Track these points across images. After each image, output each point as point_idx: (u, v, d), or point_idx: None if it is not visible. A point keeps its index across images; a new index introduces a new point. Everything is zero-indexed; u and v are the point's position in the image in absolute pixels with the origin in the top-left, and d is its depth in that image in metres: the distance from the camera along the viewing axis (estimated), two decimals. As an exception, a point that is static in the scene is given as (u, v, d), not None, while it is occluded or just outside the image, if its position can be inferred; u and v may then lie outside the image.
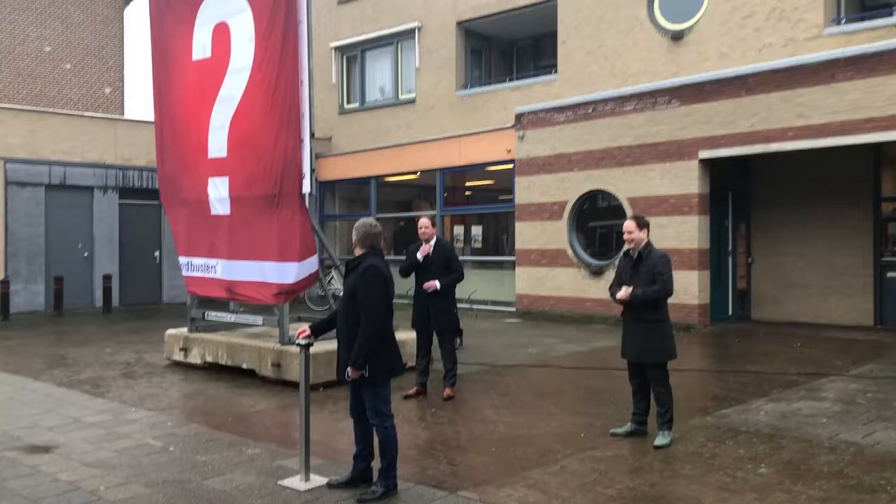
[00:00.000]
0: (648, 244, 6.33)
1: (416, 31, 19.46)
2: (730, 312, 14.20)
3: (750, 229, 14.50)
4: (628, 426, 6.45)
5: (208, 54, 9.52)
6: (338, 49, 21.46)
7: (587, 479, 5.37)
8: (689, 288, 12.91)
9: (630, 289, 6.19)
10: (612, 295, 6.38)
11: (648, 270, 6.20)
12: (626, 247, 6.44)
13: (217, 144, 9.35)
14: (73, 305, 17.14)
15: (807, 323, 13.40)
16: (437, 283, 7.83)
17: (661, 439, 6.11)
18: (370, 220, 5.36)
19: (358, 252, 5.25)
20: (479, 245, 17.90)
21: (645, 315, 6.24)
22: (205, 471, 5.61)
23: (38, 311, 16.87)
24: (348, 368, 5.01)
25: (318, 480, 5.30)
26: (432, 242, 8.06)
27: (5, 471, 5.62)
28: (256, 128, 8.83)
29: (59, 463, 5.81)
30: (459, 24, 18.74)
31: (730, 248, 14.30)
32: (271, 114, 8.66)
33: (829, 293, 13.41)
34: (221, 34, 9.40)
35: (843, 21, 13.44)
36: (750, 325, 13.60)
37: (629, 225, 6.35)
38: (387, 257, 15.23)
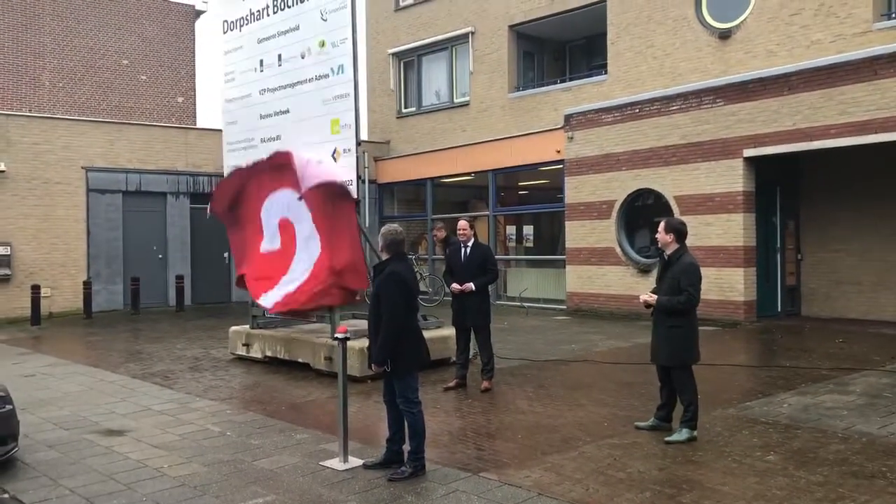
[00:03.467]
0: (679, 250, 6.46)
1: (470, 35, 19.96)
2: (778, 309, 14.26)
3: (799, 226, 14.52)
4: (651, 421, 6.71)
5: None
6: (395, 55, 22.14)
7: (601, 463, 5.80)
8: (734, 285, 13.09)
9: (654, 296, 6.44)
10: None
11: (674, 277, 6.36)
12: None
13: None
14: (149, 304, 18.29)
15: (857, 319, 13.38)
16: (471, 285, 8.33)
17: (675, 435, 6.30)
18: (395, 226, 5.90)
19: (384, 256, 5.81)
20: (530, 244, 18.32)
21: (665, 319, 6.44)
22: (256, 453, 6.25)
23: (116, 309, 18.07)
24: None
25: (355, 462, 5.88)
26: (469, 244, 8.57)
27: (85, 450, 6.39)
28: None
29: (131, 444, 6.56)
30: (511, 27, 19.15)
31: (778, 244, 14.35)
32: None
33: (880, 289, 13.36)
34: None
35: (894, 16, 13.34)
36: (797, 322, 13.66)
37: (659, 226, 6.60)
38: (434, 256, 15.70)
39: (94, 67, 23.90)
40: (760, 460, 5.76)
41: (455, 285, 8.45)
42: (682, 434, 6.31)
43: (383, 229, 5.84)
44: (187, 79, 25.90)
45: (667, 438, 6.29)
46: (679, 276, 6.33)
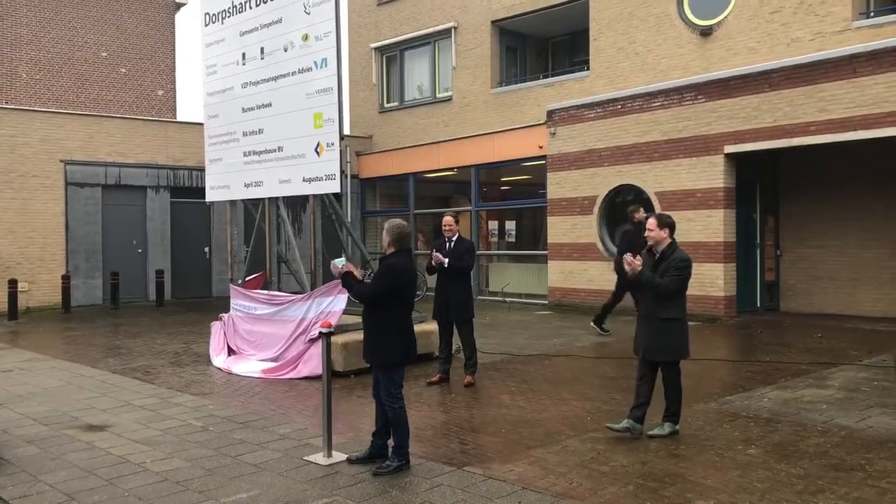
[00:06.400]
0: (672, 245, 6.33)
1: (453, 30, 19.94)
2: (758, 304, 14.40)
3: (778, 222, 14.65)
4: (626, 422, 6.32)
5: None
6: (378, 49, 22.07)
7: (585, 457, 5.82)
8: (714, 280, 13.19)
9: (640, 261, 6.21)
10: (622, 260, 6.32)
11: (664, 270, 6.22)
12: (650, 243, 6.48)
13: None
14: (128, 299, 18.12)
15: (835, 314, 13.55)
16: (444, 260, 8.32)
17: (658, 430, 6.28)
18: (401, 221, 5.88)
19: (390, 251, 5.80)
20: (512, 239, 18.36)
21: (658, 312, 6.26)
22: (239, 448, 6.22)
23: (96, 304, 17.90)
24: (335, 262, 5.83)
25: (339, 456, 5.86)
26: (454, 239, 8.57)
27: (65, 446, 6.32)
28: None
29: (112, 440, 6.50)
30: (494, 22, 19.15)
31: (758, 240, 14.47)
32: None
33: (857, 285, 13.52)
34: None
35: (872, 14, 13.49)
36: (776, 317, 13.81)
37: (651, 222, 6.40)
38: (418, 251, 15.67)
39: (73, 59, 23.59)
40: (742, 454, 5.82)
41: (437, 254, 8.41)
42: (664, 428, 6.33)
43: (388, 224, 5.82)
44: (167, 72, 25.63)
45: (650, 432, 6.31)
46: (670, 267, 6.22)
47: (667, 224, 6.39)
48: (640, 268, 6.23)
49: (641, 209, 11.63)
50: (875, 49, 11.42)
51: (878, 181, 13.19)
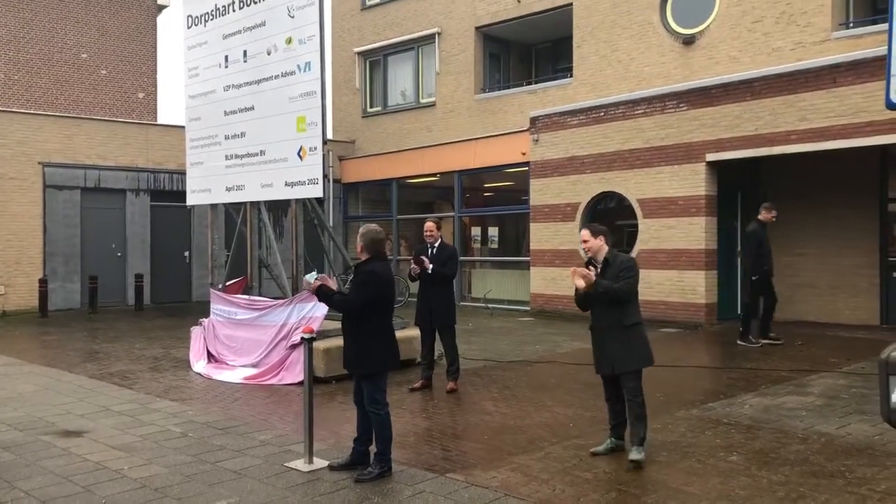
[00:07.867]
0: (611, 251, 6.14)
1: (437, 36, 19.94)
2: (739, 311, 14.44)
3: (759, 230, 14.73)
4: (609, 443, 6.12)
5: None
6: (361, 54, 22.03)
7: (568, 464, 5.81)
8: (696, 287, 13.26)
9: (593, 274, 5.88)
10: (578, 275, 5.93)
11: (614, 276, 5.96)
12: (588, 255, 6.25)
13: None
14: (107, 303, 17.92)
15: (814, 322, 13.65)
16: (429, 266, 8.28)
17: (636, 454, 5.80)
18: (375, 226, 5.81)
19: (363, 257, 5.74)
20: (495, 245, 18.36)
21: (622, 320, 5.93)
22: (219, 454, 6.15)
23: (74, 308, 17.68)
24: (306, 279, 5.75)
25: (320, 463, 5.81)
26: (437, 245, 8.55)
27: (40, 452, 6.22)
28: None
29: (89, 446, 6.40)
30: (478, 29, 19.18)
31: (739, 247, 14.56)
32: None
33: (836, 293, 13.64)
34: None
35: (851, 25, 13.65)
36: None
37: (584, 234, 6.14)
38: (401, 257, 15.65)
39: (52, 61, 23.34)
40: (723, 461, 5.83)
41: (421, 258, 8.35)
42: (641, 452, 5.82)
43: (362, 229, 5.75)
44: (149, 74, 25.43)
45: (632, 457, 5.75)
46: (620, 271, 5.96)
47: (601, 232, 6.15)
48: (595, 278, 5.90)
49: (772, 208, 11.38)
50: (855, 59, 11.55)
51: (857, 190, 13.33)
